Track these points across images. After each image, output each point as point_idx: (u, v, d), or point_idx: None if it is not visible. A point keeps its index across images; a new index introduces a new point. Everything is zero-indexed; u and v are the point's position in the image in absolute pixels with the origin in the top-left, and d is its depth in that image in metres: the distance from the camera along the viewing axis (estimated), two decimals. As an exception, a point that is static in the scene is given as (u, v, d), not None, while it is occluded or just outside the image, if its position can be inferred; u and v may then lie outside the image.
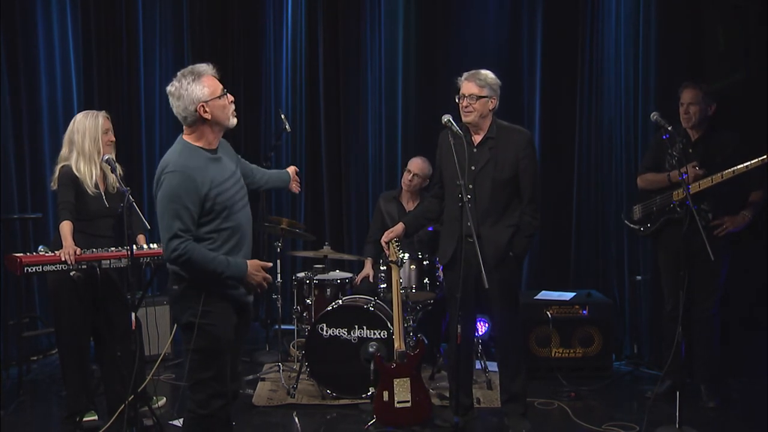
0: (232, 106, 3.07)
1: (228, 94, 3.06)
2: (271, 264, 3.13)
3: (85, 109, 4.18)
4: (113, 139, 3.99)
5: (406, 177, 5.18)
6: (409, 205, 5.21)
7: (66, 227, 3.82)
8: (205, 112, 2.97)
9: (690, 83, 4.30)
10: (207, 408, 2.99)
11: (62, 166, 3.94)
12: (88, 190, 3.90)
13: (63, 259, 3.74)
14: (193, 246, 2.90)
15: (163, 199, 2.92)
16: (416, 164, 5.15)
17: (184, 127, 3.04)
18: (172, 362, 5.21)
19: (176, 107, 2.98)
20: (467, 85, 3.85)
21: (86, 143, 3.90)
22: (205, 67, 3.04)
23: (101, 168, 3.94)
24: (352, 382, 4.41)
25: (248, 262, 3.02)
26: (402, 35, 6.07)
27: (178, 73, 3.00)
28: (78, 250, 3.77)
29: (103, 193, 3.97)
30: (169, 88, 2.98)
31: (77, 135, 3.91)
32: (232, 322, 3.06)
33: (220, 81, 3.06)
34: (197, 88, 2.95)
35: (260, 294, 3.08)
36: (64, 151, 3.96)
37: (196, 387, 3.01)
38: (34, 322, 5.39)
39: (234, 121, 3.08)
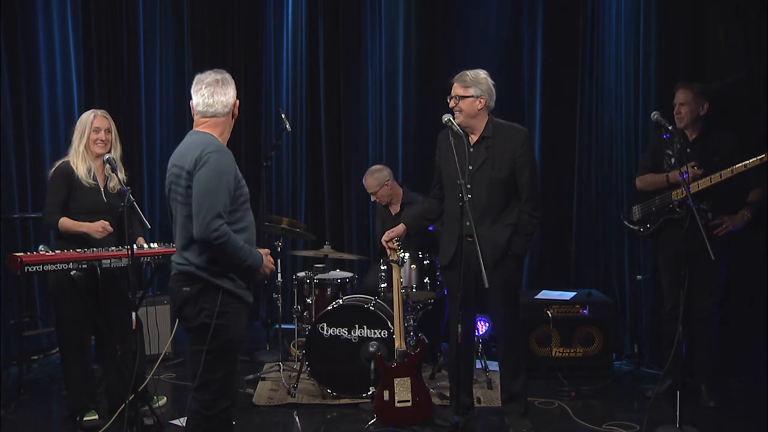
0: None
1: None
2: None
3: (86, 110, 4.20)
4: (104, 138, 3.96)
5: (372, 198, 5.21)
6: (394, 209, 5.23)
7: (67, 222, 3.85)
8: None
9: (683, 83, 4.30)
10: (212, 409, 2.97)
11: (60, 164, 3.96)
12: (83, 183, 3.91)
13: (99, 230, 3.85)
14: (229, 229, 2.83)
15: (209, 177, 2.81)
16: (368, 184, 5.15)
17: (199, 121, 3.02)
18: (173, 362, 5.21)
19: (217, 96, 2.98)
20: (454, 86, 3.89)
21: (75, 138, 3.98)
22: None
23: (103, 168, 3.95)
24: (353, 382, 4.41)
25: (260, 251, 3.01)
26: (402, 35, 6.07)
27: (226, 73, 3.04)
28: (105, 226, 3.84)
29: (102, 189, 3.98)
30: (216, 76, 2.99)
31: (75, 131, 4.00)
32: (244, 322, 3.06)
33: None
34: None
35: (261, 283, 3.08)
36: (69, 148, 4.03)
37: (203, 388, 2.96)
38: (35, 321, 5.39)
39: None
